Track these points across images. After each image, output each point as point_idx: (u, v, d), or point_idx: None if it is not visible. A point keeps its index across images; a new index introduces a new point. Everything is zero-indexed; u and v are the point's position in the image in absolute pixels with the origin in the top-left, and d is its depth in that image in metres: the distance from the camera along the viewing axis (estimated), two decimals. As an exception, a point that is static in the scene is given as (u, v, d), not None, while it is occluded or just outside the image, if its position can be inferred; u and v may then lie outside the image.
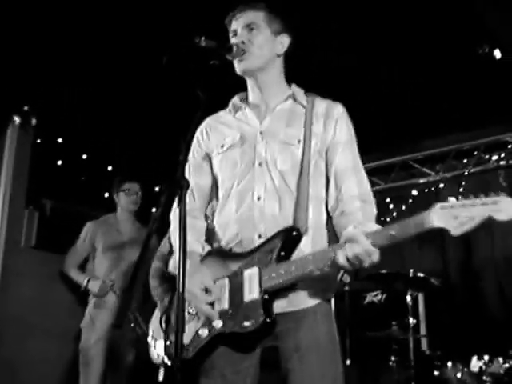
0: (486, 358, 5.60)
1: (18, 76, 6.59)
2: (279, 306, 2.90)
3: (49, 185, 7.18)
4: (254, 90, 3.32)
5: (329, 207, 3.13)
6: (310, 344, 2.90)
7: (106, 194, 7.14)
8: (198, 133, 3.42)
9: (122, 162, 8.02)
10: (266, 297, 2.83)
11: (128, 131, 7.51)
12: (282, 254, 2.88)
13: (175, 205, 3.20)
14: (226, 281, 3.01)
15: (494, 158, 8.22)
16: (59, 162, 7.39)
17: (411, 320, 6.28)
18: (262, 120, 3.24)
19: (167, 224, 3.36)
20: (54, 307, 7.00)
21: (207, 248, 3.23)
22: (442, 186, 8.62)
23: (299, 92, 3.31)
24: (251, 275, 2.92)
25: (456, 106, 7.22)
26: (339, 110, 3.21)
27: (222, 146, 3.28)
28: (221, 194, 3.28)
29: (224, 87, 3.14)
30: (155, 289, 5.71)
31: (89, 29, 5.96)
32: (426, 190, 8.74)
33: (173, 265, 3.27)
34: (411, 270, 6.32)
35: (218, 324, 2.93)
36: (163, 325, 3.16)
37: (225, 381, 2.98)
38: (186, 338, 2.96)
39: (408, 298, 6.36)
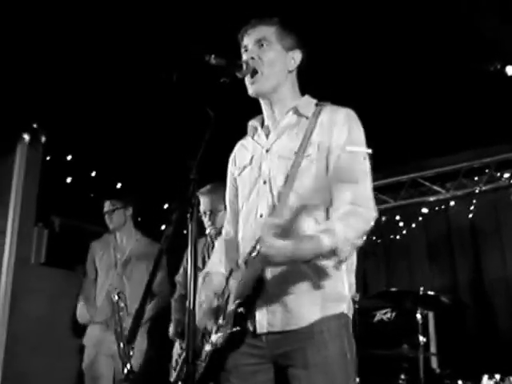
0: (498, 376, 5.52)
1: (27, 94, 6.61)
2: (280, 324, 2.90)
3: (58, 202, 7.20)
4: (266, 109, 3.28)
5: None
6: (317, 365, 2.83)
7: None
8: (230, 157, 3.49)
9: (131, 179, 8.04)
10: (240, 307, 2.88)
11: (137, 148, 7.53)
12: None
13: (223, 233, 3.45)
14: (226, 295, 3.07)
15: (506, 175, 8.20)
16: (68, 180, 7.41)
17: (421, 338, 6.19)
18: (268, 137, 3.22)
19: (178, 243, 3.36)
20: (63, 323, 7.03)
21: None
22: (452, 203, 8.60)
23: (307, 103, 3.23)
24: (231, 286, 3.04)
25: (467, 123, 7.17)
26: (342, 113, 3.08)
27: (239, 168, 3.32)
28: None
29: (234, 104, 3.15)
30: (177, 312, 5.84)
31: (98, 46, 5.97)
32: (437, 208, 8.72)
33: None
34: (421, 288, 6.23)
35: (214, 338, 3.00)
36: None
37: None
38: (203, 354, 3.04)
39: (418, 316, 6.27)
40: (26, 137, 7.29)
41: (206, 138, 2.85)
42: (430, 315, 7.31)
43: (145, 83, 6.36)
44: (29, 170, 7.37)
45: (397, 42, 5.93)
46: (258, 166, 3.16)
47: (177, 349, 5.54)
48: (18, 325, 6.93)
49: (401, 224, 8.78)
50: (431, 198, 8.76)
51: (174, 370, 5.40)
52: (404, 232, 8.68)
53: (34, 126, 7.27)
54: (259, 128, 3.31)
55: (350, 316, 2.98)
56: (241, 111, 3.38)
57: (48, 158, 7.47)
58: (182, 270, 5.96)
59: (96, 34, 5.85)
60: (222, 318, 2.99)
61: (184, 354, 5.17)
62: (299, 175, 2.98)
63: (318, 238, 2.66)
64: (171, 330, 5.72)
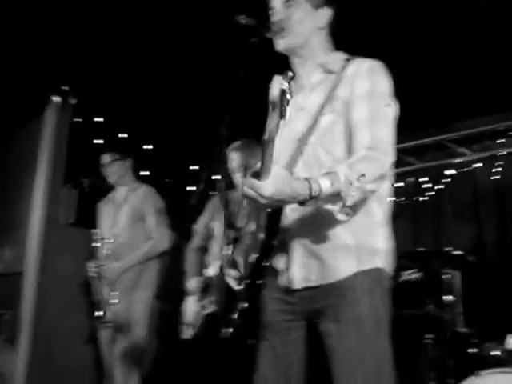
0: None
1: (56, 56, 6.67)
2: (316, 278, 2.92)
3: (87, 163, 7.25)
4: (296, 67, 3.26)
5: None
6: (349, 321, 2.83)
7: (146, 172, 7.19)
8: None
9: (160, 140, 8.09)
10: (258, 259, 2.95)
11: (166, 110, 7.56)
12: None
13: None
14: None
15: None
16: (97, 141, 7.45)
17: (447, 298, 6.26)
18: (297, 94, 3.18)
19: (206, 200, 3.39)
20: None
21: None
22: (477, 165, 8.60)
23: (336, 59, 3.20)
24: None
25: (492, 86, 7.18)
26: (366, 65, 3.06)
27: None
28: None
29: (264, 65, 3.17)
30: (195, 265, 5.77)
31: (127, 9, 6.02)
32: (462, 170, 8.72)
33: None
34: (448, 248, 6.30)
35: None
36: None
37: (275, 353, 3.02)
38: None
39: (444, 275, 6.32)
40: (56, 99, 7.35)
41: (236, 97, 2.92)
42: (457, 275, 7.32)
43: (175, 44, 6.39)
44: (58, 131, 7.44)
45: (425, 4, 5.93)
46: (287, 124, 3.04)
47: (191, 304, 5.42)
48: (48, 283, 7.03)
49: (426, 186, 8.79)
50: (457, 160, 8.76)
51: (191, 326, 5.34)
52: (430, 193, 8.70)
53: (64, 88, 7.32)
54: (293, 84, 3.23)
55: (388, 270, 2.97)
56: (270, 71, 3.40)
57: (77, 120, 7.52)
58: (203, 220, 5.79)
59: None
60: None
61: (205, 310, 5.17)
62: (324, 130, 3.00)
63: (313, 180, 2.56)
64: (190, 283, 5.54)
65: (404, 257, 6.77)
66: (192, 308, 5.39)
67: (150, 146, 8.11)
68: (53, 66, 6.84)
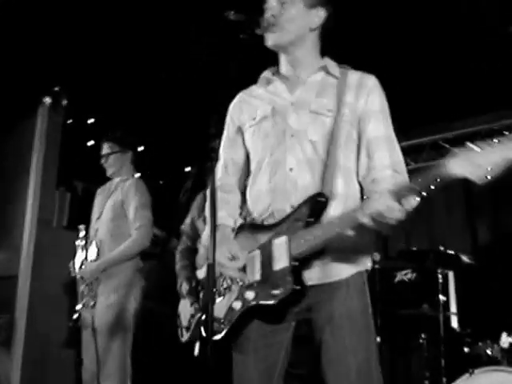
0: None
1: (48, 57, 6.68)
2: (313, 277, 2.91)
3: (80, 166, 7.25)
4: (285, 64, 3.28)
5: (360, 176, 3.09)
6: (342, 316, 2.90)
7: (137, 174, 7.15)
8: (230, 107, 3.42)
9: (153, 141, 8.08)
10: (295, 264, 2.82)
11: (159, 111, 7.57)
12: (310, 220, 2.86)
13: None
14: (258, 252, 3.01)
15: (525, 136, 8.21)
16: (90, 143, 7.44)
17: (441, 297, 6.23)
18: (293, 92, 3.21)
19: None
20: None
21: (240, 221, 3.24)
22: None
23: (332, 64, 3.26)
24: (280, 244, 2.91)
25: (487, 86, 7.23)
26: (372, 80, 3.15)
27: (254, 119, 3.26)
28: (252, 166, 3.26)
29: (254, 61, 3.18)
30: (185, 268, 5.72)
31: (119, 10, 6.05)
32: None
33: (205, 238, 3.25)
34: (441, 248, 6.30)
35: (250, 296, 2.94)
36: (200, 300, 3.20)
37: (258, 355, 3.00)
38: (221, 312, 3.00)
39: (438, 275, 6.31)
40: (48, 100, 7.35)
41: (226, 94, 2.94)
42: (450, 274, 7.33)
43: (166, 43, 6.41)
44: (50, 133, 7.44)
45: (419, 2, 5.96)
46: (283, 119, 3.14)
47: (185, 307, 5.48)
48: (41, 287, 7.04)
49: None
50: (451, 160, 8.78)
51: (187, 329, 5.37)
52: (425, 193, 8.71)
53: (56, 89, 7.32)
54: (277, 79, 3.30)
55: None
56: (259, 68, 3.40)
57: (69, 121, 7.52)
58: (189, 221, 5.84)
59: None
60: (259, 275, 2.97)
61: (198, 313, 5.14)
62: (340, 136, 3.03)
63: None
64: (182, 287, 5.58)
65: (398, 257, 6.79)
66: (186, 311, 5.41)
67: (142, 147, 8.11)
68: (44, 67, 6.85)
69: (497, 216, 8.15)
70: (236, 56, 2.89)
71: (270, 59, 3.33)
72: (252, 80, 3.43)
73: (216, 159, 2.57)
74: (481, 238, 8.24)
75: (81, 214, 6.79)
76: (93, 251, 5.70)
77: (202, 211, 5.53)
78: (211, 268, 2.44)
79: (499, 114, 8.14)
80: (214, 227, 2.48)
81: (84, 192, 7.51)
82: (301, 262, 2.84)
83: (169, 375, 7.04)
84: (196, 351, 3.35)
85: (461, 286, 7.36)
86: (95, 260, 5.64)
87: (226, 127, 3.39)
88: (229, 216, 3.23)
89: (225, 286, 3.09)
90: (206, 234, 3.22)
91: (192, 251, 5.59)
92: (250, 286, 2.97)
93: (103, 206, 5.95)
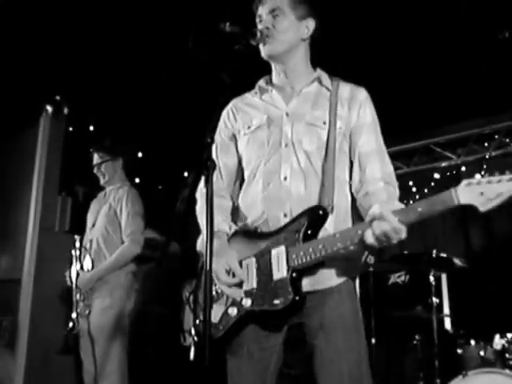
0: (509, 335, 5.57)
1: (50, 66, 6.74)
2: (306, 284, 2.95)
3: (81, 172, 7.31)
4: (279, 74, 3.35)
5: (353, 189, 3.17)
6: (334, 320, 2.96)
7: (137, 179, 7.23)
8: (224, 113, 3.47)
9: (151, 148, 8.17)
10: (295, 275, 2.89)
11: (158, 117, 7.65)
12: (309, 232, 2.93)
13: (201, 184, 3.27)
14: (253, 260, 3.06)
15: (515, 141, 8.33)
16: (91, 149, 7.51)
17: (434, 300, 6.25)
18: (288, 102, 3.28)
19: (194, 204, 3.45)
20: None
21: (234, 227, 3.28)
22: (463, 169, 8.69)
23: (324, 75, 3.34)
24: (279, 254, 2.96)
25: (477, 90, 7.25)
26: (363, 94, 3.26)
27: (249, 127, 3.33)
28: (246, 173, 3.33)
29: (248, 71, 3.24)
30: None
31: (118, 19, 6.12)
32: (448, 174, 8.82)
33: (201, 244, 3.25)
34: (434, 251, 6.27)
35: (246, 303, 2.99)
36: (191, 304, 3.20)
37: (251, 359, 3.06)
38: (216, 317, 3.05)
39: (431, 278, 6.34)
40: (50, 108, 7.41)
41: (221, 103, 3.02)
42: (443, 277, 7.38)
43: (164, 52, 6.48)
44: (52, 140, 7.50)
45: (408, 10, 6.01)
46: (278, 128, 3.21)
47: (190, 312, 5.54)
48: (43, 292, 7.11)
49: (413, 189, 8.89)
50: (443, 164, 8.88)
51: (190, 333, 5.40)
52: (417, 197, 8.79)
53: (57, 98, 7.38)
54: (272, 89, 3.38)
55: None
56: (255, 77, 3.49)
57: (71, 129, 7.60)
58: None
59: (115, 7, 5.98)
60: (255, 282, 3.00)
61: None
62: (335, 148, 3.11)
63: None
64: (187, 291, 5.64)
65: (392, 260, 6.84)
66: (190, 316, 5.46)
67: (140, 154, 8.19)
68: (46, 77, 6.92)
69: (489, 220, 8.23)
70: (231, 65, 2.91)
71: (264, 68, 3.42)
72: (246, 87, 3.51)
73: (213, 168, 2.63)
74: (473, 241, 8.32)
75: (82, 218, 6.88)
76: (88, 261, 5.81)
77: None
78: (208, 274, 2.46)
79: (490, 118, 8.22)
80: (211, 234, 2.49)
81: (85, 197, 7.55)
82: (299, 273, 2.91)
83: (167, 377, 7.10)
84: (191, 355, 3.42)
85: (454, 289, 7.43)
86: (91, 269, 5.76)
87: (218, 132, 3.42)
88: (224, 221, 3.29)
89: (219, 290, 3.13)
90: (201, 239, 3.25)
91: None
92: (246, 293, 3.02)
93: (97, 215, 6.07)
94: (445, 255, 6.36)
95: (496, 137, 8.42)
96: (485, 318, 6.83)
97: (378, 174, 3.08)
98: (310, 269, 2.94)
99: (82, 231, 6.19)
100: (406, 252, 6.72)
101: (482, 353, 5.67)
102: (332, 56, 3.49)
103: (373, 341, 6.56)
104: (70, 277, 5.81)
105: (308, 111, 3.22)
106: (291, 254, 2.93)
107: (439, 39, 6.45)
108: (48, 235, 7.31)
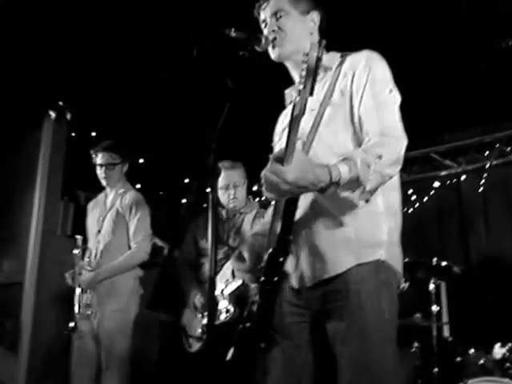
0: (510, 344, 5.59)
1: (53, 72, 6.78)
2: (317, 274, 2.88)
3: (83, 177, 7.34)
4: (293, 72, 3.31)
5: None
6: (353, 327, 2.76)
7: (138, 185, 7.23)
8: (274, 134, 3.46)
9: (153, 154, 8.21)
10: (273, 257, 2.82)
11: (160, 124, 7.70)
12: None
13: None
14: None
15: (516, 150, 8.37)
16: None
17: (434, 308, 6.26)
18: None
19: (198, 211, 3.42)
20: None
21: None
22: (463, 178, 8.76)
23: (332, 57, 3.20)
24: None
25: (478, 99, 7.29)
26: (362, 55, 3.08)
27: (277, 135, 3.37)
28: None
29: (253, 77, 3.28)
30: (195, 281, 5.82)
31: (121, 24, 6.14)
32: (448, 182, 8.87)
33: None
34: (434, 259, 6.29)
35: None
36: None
37: (285, 355, 3.00)
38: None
39: (431, 286, 6.35)
40: (52, 114, 7.45)
41: (226, 109, 2.89)
42: (443, 285, 7.38)
43: (167, 58, 6.50)
44: (55, 145, 7.54)
45: (412, 17, 6.03)
46: None
47: (193, 318, 5.52)
48: (45, 295, 7.15)
49: (413, 198, 8.93)
50: (443, 173, 8.92)
51: (198, 339, 5.38)
52: (416, 205, 8.83)
53: (60, 103, 7.42)
54: (294, 93, 3.13)
55: (393, 263, 2.90)
56: (259, 85, 3.47)
57: (73, 135, 7.64)
58: (190, 238, 5.86)
59: (118, 13, 6.00)
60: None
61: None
62: (324, 123, 2.97)
63: (333, 167, 2.52)
64: (196, 299, 5.53)
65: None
66: (196, 322, 5.47)
67: (142, 160, 8.22)
68: (49, 83, 6.97)
69: (488, 228, 8.28)
70: (236, 71, 2.93)
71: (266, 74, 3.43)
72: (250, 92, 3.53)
73: (218, 175, 2.62)
74: (473, 249, 8.37)
75: (84, 223, 6.91)
76: (92, 262, 5.83)
77: (205, 232, 5.65)
78: (211, 281, 2.48)
79: (491, 127, 8.28)
80: (216, 242, 2.50)
81: (86, 201, 7.57)
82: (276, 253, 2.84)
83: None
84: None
85: (453, 297, 7.45)
86: (93, 270, 5.75)
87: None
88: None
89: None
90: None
91: (193, 267, 5.76)
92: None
93: (102, 219, 6.04)
94: (444, 263, 6.34)
95: (497, 145, 8.45)
96: (484, 326, 6.84)
97: (375, 128, 2.81)
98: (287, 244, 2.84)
99: (83, 235, 6.18)
100: (405, 260, 6.73)
101: (481, 361, 5.67)
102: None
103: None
104: (73, 277, 5.80)
105: (312, 99, 2.96)
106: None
107: (439, 47, 6.47)
108: (50, 239, 7.35)
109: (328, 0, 3.31)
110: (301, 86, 2.55)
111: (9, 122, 7.36)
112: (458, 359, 5.90)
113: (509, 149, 8.38)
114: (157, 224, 6.26)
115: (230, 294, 5.19)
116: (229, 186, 5.47)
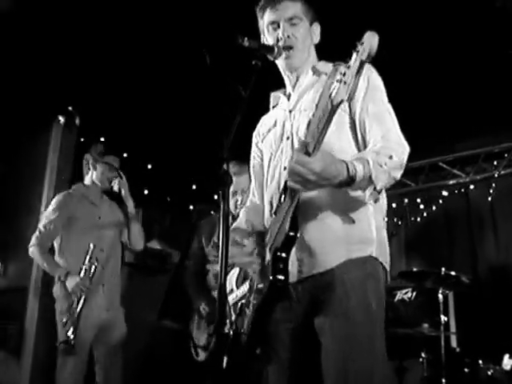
0: None
1: (63, 78, 6.78)
2: (307, 269, 2.89)
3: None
4: (291, 80, 3.29)
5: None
6: (338, 316, 2.78)
7: (146, 191, 7.24)
8: (254, 133, 3.50)
9: (161, 160, 8.21)
10: (278, 254, 2.79)
11: (169, 129, 7.70)
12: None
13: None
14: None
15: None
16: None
17: (442, 317, 6.22)
18: (289, 99, 3.25)
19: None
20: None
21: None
22: (471, 187, 8.75)
23: (324, 64, 3.22)
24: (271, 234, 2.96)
25: (487, 109, 7.28)
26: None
27: (262, 135, 3.37)
28: (265, 174, 3.32)
29: (265, 85, 3.26)
30: (202, 290, 5.79)
31: (132, 30, 6.13)
32: (456, 192, 8.86)
33: None
34: (443, 269, 6.27)
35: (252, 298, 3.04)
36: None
37: (282, 360, 3.02)
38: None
39: (439, 295, 6.33)
40: (62, 119, 7.47)
41: (238, 117, 2.84)
42: (450, 295, 7.37)
43: (177, 65, 6.50)
44: (63, 150, 7.55)
45: (425, 25, 6.01)
46: (281, 126, 3.19)
47: (200, 327, 5.52)
48: (50, 300, 7.14)
49: (421, 206, 8.92)
50: (451, 182, 8.91)
51: (204, 349, 5.36)
52: (424, 214, 8.82)
53: (70, 108, 7.44)
54: (282, 96, 3.32)
55: (383, 260, 2.93)
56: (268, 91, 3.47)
57: (82, 140, 7.63)
58: (196, 245, 5.85)
59: (129, 20, 6.02)
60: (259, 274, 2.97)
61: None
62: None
63: (350, 163, 2.57)
64: (201, 308, 5.52)
65: (399, 276, 6.81)
66: (203, 331, 5.47)
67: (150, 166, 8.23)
68: (58, 88, 6.97)
69: (496, 237, 8.26)
70: (248, 79, 2.88)
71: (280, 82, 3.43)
72: (262, 100, 3.50)
73: (230, 183, 2.61)
74: (481, 258, 8.34)
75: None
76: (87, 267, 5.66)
77: (211, 238, 5.65)
78: (223, 288, 2.45)
79: (499, 136, 8.27)
80: (226, 250, 2.47)
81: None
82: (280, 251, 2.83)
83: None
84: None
85: (461, 307, 7.43)
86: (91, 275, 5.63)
87: (252, 155, 3.52)
88: (244, 223, 3.44)
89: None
90: None
91: (200, 274, 5.72)
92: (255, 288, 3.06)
93: (98, 210, 5.98)
94: (453, 273, 6.32)
95: (505, 155, 8.43)
96: (493, 336, 6.82)
97: (378, 135, 2.85)
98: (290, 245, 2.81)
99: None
100: (413, 269, 6.71)
101: (489, 372, 5.65)
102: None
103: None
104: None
105: (304, 99, 3.16)
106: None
107: (450, 55, 6.47)
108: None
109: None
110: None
111: (17, 126, 7.37)
112: (467, 370, 5.86)
113: (517, 158, 8.36)
114: (163, 229, 6.24)
115: (233, 304, 5.19)
116: (236, 192, 5.47)
